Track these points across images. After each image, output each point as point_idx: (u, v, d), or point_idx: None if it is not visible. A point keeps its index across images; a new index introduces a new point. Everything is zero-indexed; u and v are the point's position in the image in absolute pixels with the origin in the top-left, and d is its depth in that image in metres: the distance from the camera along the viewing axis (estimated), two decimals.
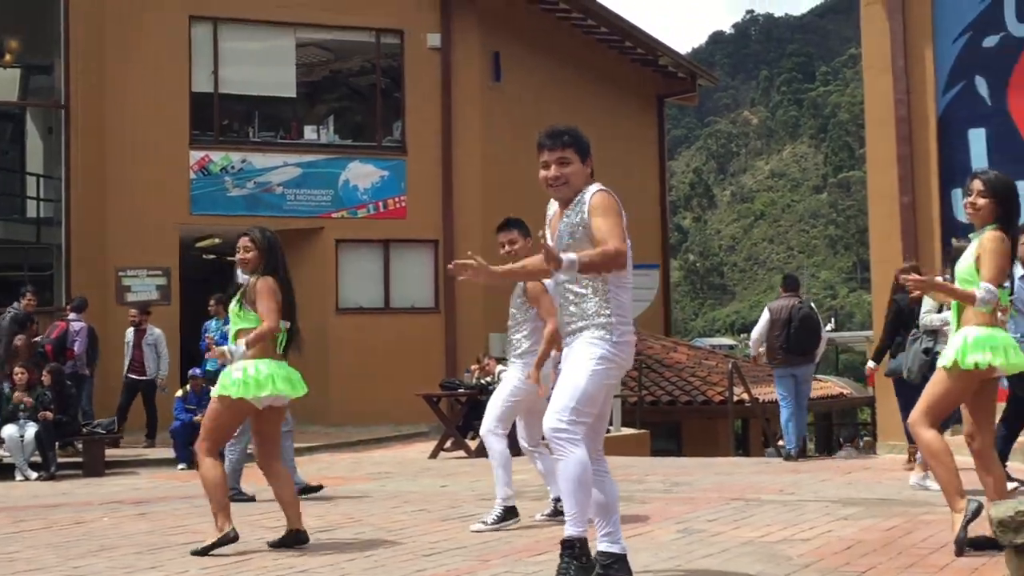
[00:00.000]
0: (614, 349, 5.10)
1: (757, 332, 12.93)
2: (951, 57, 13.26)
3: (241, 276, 7.12)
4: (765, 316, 12.85)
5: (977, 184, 5.93)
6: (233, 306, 6.80)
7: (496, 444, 7.33)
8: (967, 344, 5.79)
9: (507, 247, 7.29)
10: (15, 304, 15.11)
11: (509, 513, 7.24)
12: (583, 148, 5.24)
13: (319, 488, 9.57)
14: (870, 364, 11.69)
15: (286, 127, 20.48)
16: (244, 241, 6.78)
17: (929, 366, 8.05)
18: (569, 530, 4.98)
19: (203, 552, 6.39)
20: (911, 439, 10.86)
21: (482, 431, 7.46)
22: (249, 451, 8.89)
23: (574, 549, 4.95)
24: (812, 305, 13.17)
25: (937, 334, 8.45)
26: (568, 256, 4.96)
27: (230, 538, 6.43)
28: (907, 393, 10.92)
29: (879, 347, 11.39)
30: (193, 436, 13.06)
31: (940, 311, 8.32)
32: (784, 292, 13.08)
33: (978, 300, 5.80)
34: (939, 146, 13.20)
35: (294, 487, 6.79)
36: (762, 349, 13.01)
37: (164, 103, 18.74)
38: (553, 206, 5.35)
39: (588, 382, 5.04)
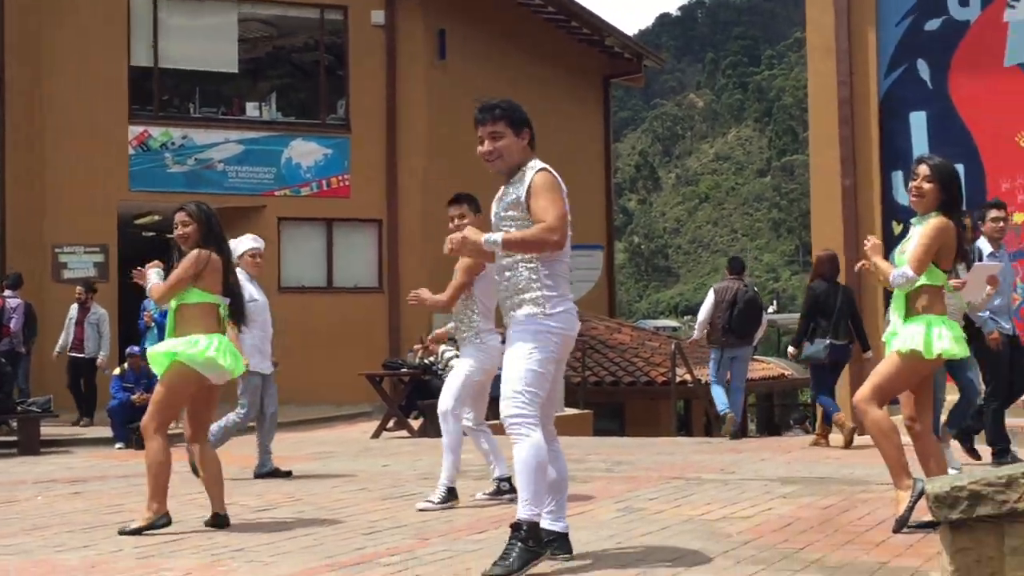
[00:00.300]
0: (550, 321, 5.10)
1: (704, 313, 12.98)
2: (894, 40, 13.35)
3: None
4: (711, 298, 12.93)
5: (924, 169, 5.96)
6: None
7: (452, 425, 7.30)
8: (931, 335, 5.81)
9: (456, 222, 7.27)
10: None
11: (451, 494, 7.22)
12: (516, 120, 5.22)
13: (288, 473, 9.44)
14: (791, 349, 11.94)
15: (228, 103, 20.24)
16: (181, 216, 6.65)
17: None
18: (520, 513, 4.96)
19: (132, 532, 6.29)
20: (828, 419, 11.18)
21: (440, 410, 7.43)
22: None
23: (520, 532, 4.93)
24: (756, 289, 13.32)
25: None
26: (488, 237, 5.10)
27: (160, 524, 6.32)
28: (822, 378, 11.35)
29: (798, 333, 11.61)
30: (131, 415, 12.95)
31: None
32: (729, 274, 13.22)
33: (891, 278, 5.92)
34: (880, 128, 13.30)
35: (221, 470, 6.67)
36: (706, 331, 13.12)
37: (102, 77, 18.44)
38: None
39: (531, 362, 5.03)
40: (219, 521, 6.52)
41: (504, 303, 5.24)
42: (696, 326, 13.46)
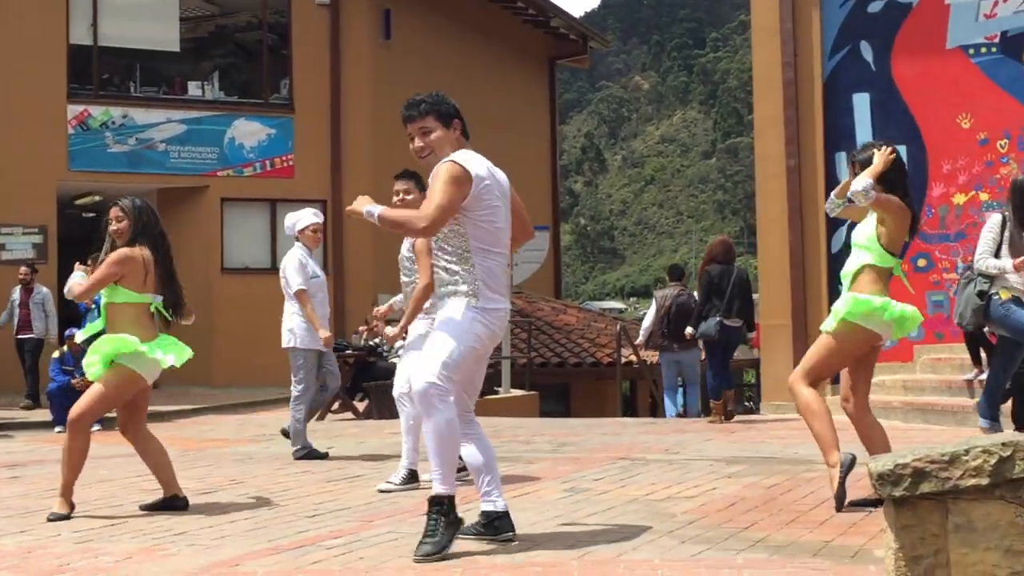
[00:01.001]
0: (481, 316, 5.07)
1: (647, 321, 13.77)
2: (837, 22, 13.42)
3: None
4: (653, 305, 13.67)
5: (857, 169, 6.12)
6: None
7: (410, 407, 7.25)
8: (854, 307, 5.86)
9: (401, 196, 7.27)
10: None
11: (413, 476, 7.19)
12: (444, 113, 5.18)
13: (325, 455, 9.26)
14: (688, 330, 12.24)
15: (169, 83, 19.95)
16: (115, 211, 6.61)
17: (983, 311, 8.11)
18: (438, 488, 4.98)
19: (56, 518, 6.22)
20: (717, 397, 11.59)
21: (396, 393, 7.38)
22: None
23: (443, 506, 4.95)
24: (692, 293, 13.68)
25: (993, 278, 8.32)
26: (368, 208, 5.10)
27: (62, 515, 6.26)
28: (713, 355, 11.85)
29: (695, 315, 12.02)
30: (71, 398, 12.70)
31: (997, 255, 8.23)
32: (670, 281, 13.90)
33: (850, 190, 5.93)
34: (824, 110, 13.37)
35: (164, 452, 6.59)
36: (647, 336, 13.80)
37: (41, 56, 18.11)
38: None
39: (460, 343, 5.02)
40: (173, 504, 6.46)
41: (438, 289, 5.22)
42: (641, 332, 14.11)
